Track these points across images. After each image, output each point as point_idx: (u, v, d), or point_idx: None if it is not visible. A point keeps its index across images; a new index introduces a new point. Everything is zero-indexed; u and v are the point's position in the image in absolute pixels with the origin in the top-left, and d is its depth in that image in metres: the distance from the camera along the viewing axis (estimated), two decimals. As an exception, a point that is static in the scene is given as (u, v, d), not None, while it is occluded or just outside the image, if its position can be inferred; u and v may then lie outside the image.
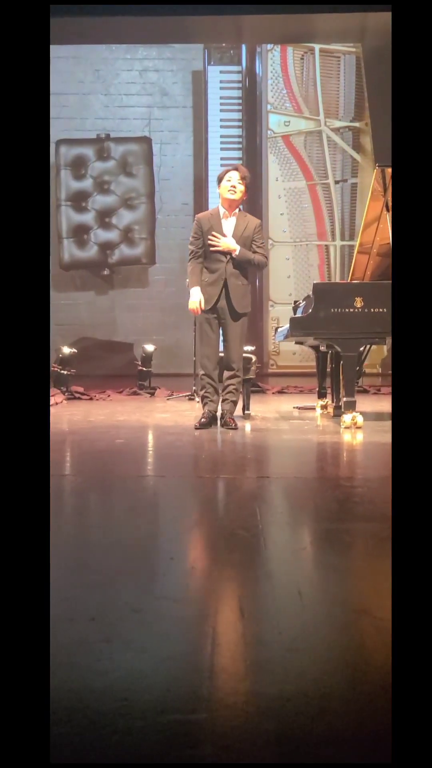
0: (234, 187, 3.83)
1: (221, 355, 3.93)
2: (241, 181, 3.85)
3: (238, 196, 3.86)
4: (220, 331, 3.92)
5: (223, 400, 3.89)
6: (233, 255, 3.83)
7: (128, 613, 1.27)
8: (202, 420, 3.83)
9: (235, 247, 3.82)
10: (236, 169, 3.90)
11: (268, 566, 1.56)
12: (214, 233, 3.83)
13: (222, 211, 3.91)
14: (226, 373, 3.90)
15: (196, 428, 3.77)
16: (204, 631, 1.21)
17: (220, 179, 3.92)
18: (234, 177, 3.84)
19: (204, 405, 3.91)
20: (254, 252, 3.89)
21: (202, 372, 3.94)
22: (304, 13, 8.52)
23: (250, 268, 3.96)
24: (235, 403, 3.91)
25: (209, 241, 3.83)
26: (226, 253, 3.85)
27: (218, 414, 3.91)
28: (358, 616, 1.27)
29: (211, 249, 3.83)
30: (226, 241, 3.83)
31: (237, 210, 3.93)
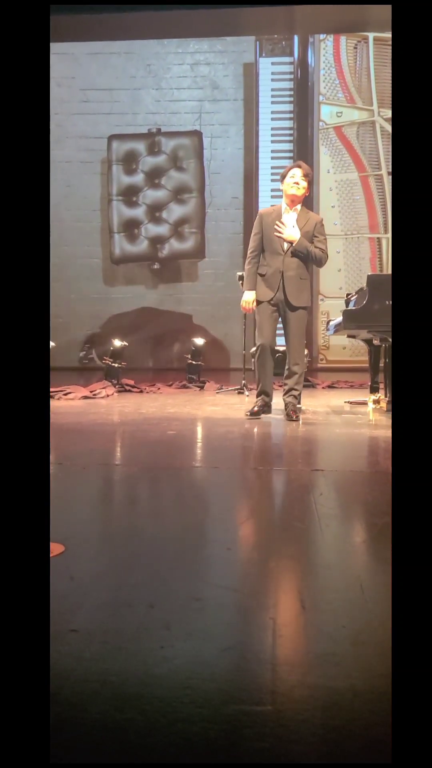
0: (297, 183, 3.92)
1: (280, 348, 3.99)
2: (303, 178, 3.94)
3: (301, 192, 3.94)
4: (278, 324, 3.99)
5: (286, 393, 3.95)
6: (293, 244, 3.85)
7: (188, 601, 1.26)
8: (254, 409, 3.94)
9: (296, 237, 3.87)
10: (299, 166, 3.99)
11: (326, 558, 1.53)
12: (279, 221, 3.90)
13: (284, 206, 3.97)
14: (287, 367, 3.97)
15: (247, 416, 3.91)
16: (264, 621, 1.19)
17: (283, 177, 4.01)
18: (297, 174, 3.93)
19: (257, 395, 4.00)
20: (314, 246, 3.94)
21: (257, 360, 3.97)
22: (357, 3, 8.36)
23: (309, 261, 3.96)
24: (296, 396, 3.96)
25: (275, 228, 3.89)
26: (284, 247, 3.89)
27: (272, 404, 3.99)
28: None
29: (276, 234, 3.90)
30: (289, 231, 3.87)
31: (299, 206, 3.98)
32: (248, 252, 4.03)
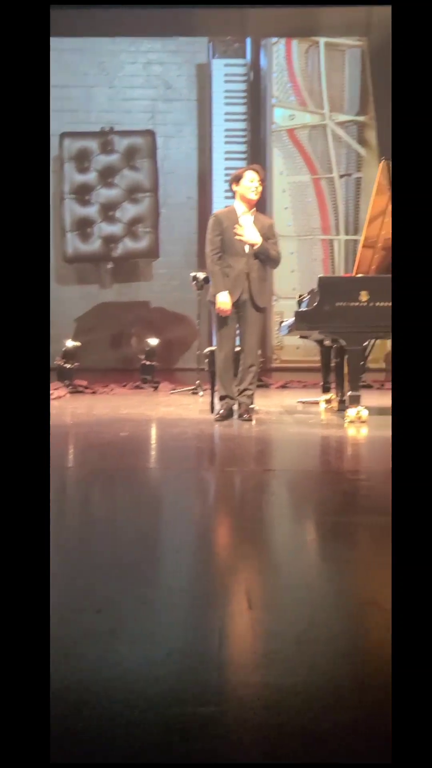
0: (257, 187, 3.95)
1: (237, 349, 3.98)
2: (261, 183, 3.97)
3: (258, 196, 3.97)
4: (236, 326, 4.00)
5: (241, 393, 3.96)
6: (254, 248, 3.88)
7: (136, 604, 1.26)
8: (222, 412, 3.94)
9: (258, 240, 3.89)
10: (256, 171, 4.00)
11: (275, 558, 1.55)
12: (239, 224, 3.91)
13: (241, 209, 3.98)
14: (242, 367, 3.96)
15: (216, 420, 3.88)
16: (212, 622, 1.20)
17: (237, 178, 4.00)
18: (256, 179, 3.95)
19: (221, 399, 4.01)
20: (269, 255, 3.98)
21: (218, 367, 3.99)
22: (309, 6, 8.47)
23: (268, 263, 4.00)
24: (250, 396, 3.99)
25: (235, 232, 3.89)
26: (245, 248, 3.90)
27: (235, 407, 3.99)
28: (364, 607, 1.26)
29: (236, 238, 3.89)
30: (251, 234, 3.88)
31: (253, 209, 4.01)
32: (210, 253, 3.93)
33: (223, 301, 3.81)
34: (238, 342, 4.06)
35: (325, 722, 0.90)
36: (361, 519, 1.84)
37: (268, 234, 3.97)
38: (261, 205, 8.91)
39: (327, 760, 0.87)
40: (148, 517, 1.91)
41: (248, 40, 8.94)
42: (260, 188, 3.95)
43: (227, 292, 3.82)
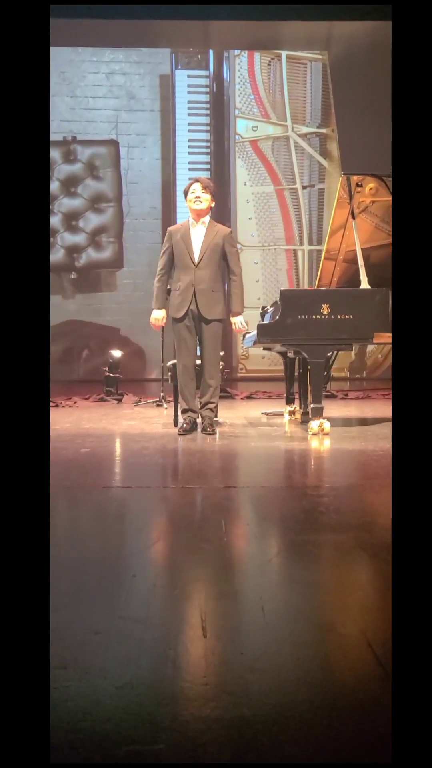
0: (198, 197, 3.94)
1: (198, 362, 4.01)
2: (204, 191, 3.95)
3: (204, 205, 3.96)
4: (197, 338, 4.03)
5: (203, 407, 3.98)
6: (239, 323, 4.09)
7: (87, 635, 1.24)
8: (184, 426, 3.95)
9: (244, 327, 4.11)
10: (198, 180, 4.01)
11: (232, 582, 1.53)
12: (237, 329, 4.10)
13: (191, 221, 4.01)
14: (204, 380, 4.00)
15: (179, 434, 3.89)
16: (164, 653, 1.18)
17: (185, 193, 4.02)
18: (197, 188, 3.95)
19: (183, 412, 4.02)
20: (228, 268, 4.02)
21: (179, 381, 4.02)
22: (271, 20, 8.57)
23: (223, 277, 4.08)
24: (213, 409, 4.01)
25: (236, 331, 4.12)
26: (195, 260, 3.95)
27: (198, 420, 4.01)
28: (321, 632, 1.25)
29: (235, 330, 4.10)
30: (239, 324, 4.10)
31: (206, 218, 4.00)
32: (157, 270, 4.05)
33: (155, 317, 4.08)
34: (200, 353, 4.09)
35: (276, 755, 0.89)
36: (322, 537, 1.84)
37: (225, 243, 3.97)
38: (225, 215, 8.94)
39: (327, 760, 0.86)
40: (104, 540, 1.88)
41: (211, 52, 9.01)
42: (206, 196, 3.93)
43: (163, 310, 4.07)
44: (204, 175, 8.92)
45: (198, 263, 3.92)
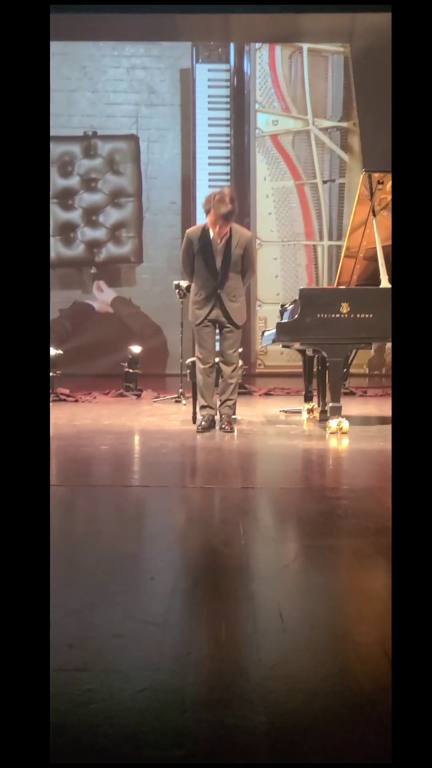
0: (218, 229, 3.82)
1: (217, 360, 4.03)
2: (225, 224, 3.80)
3: (226, 222, 3.82)
4: (216, 338, 4.04)
5: (222, 404, 4.01)
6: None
7: (108, 638, 1.26)
8: (203, 423, 3.96)
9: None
10: (222, 218, 3.76)
11: (250, 586, 1.55)
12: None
13: (211, 234, 3.90)
14: (223, 377, 4.02)
15: (198, 432, 3.90)
16: (183, 657, 1.20)
17: (206, 211, 3.85)
18: (220, 221, 3.77)
19: (202, 409, 4.03)
20: (243, 268, 3.95)
21: (198, 377, 4.03)
22: (293, 12, 8.49)
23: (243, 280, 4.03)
24: (231, 407, 4.02)
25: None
26: (217, 267, 3.89)
27: (217, 418, 4.03)
28: (339, 640, 1.26)
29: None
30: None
31: (227, 226, 3.88)
32: (184, 270, 4.05)
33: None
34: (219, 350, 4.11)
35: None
36: (340, 542, 1.85)
37: (247, 246, 3.94)
38: (245, 211, 8.90)
39: (327, 760, 0.87)
40: (123, 542, 1.91)
41: (232, 46, 8.96)
42: (226, 211, 3.75)
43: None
44: (224, 169, 8.90)
45: (220, 271, 3.89)
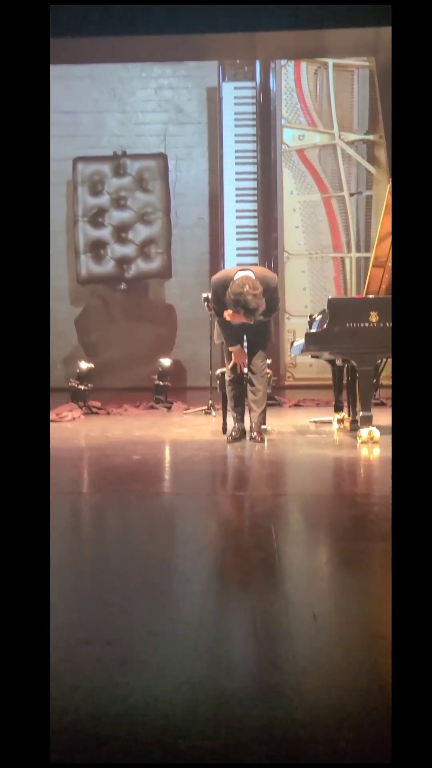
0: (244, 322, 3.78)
1: (246, 371, 4.07)
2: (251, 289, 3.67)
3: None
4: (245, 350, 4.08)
5: (252, 414, 4.05)
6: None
7: (146, 636, 1.29)
8: (233, 433, 4.01)
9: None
10: (244, 293, 3.62)
11: (283, 587, 1.56)
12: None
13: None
14: (250, 388, 4.03)
15: (228, 442, 3.94)
16: (219, 654, 1.22)
17: (227, 302, 3.75)
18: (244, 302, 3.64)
19: (235, 420, 4.09)
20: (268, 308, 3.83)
21: (227, 389, 4.10)
22: (317, 29, 8.57)
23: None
24: (261, 417, 4.03)
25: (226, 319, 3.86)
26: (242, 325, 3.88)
27: (247, 428, 4.07)
28: (371, 639, 1.27)
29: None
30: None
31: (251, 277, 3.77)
32: (213, 311, 4.09)
33: (236, 351, 3.99)
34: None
35: (331, 756, 0.91)
36: (372, 546, 1.85)
37: (270, 294, 3.80)
38: (272, 225, 8.95)
39: (327, 760, 0.88)
40: (157, 546, 1.94)
41: (257, 63, 9.07)
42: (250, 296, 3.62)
43: (238, 344, 3.97)
44: (251, 185, 8.98)
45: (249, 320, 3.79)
